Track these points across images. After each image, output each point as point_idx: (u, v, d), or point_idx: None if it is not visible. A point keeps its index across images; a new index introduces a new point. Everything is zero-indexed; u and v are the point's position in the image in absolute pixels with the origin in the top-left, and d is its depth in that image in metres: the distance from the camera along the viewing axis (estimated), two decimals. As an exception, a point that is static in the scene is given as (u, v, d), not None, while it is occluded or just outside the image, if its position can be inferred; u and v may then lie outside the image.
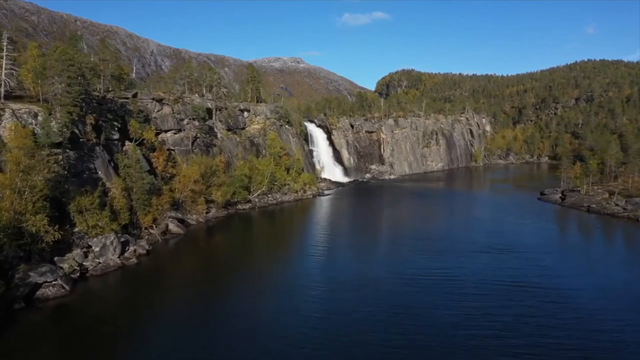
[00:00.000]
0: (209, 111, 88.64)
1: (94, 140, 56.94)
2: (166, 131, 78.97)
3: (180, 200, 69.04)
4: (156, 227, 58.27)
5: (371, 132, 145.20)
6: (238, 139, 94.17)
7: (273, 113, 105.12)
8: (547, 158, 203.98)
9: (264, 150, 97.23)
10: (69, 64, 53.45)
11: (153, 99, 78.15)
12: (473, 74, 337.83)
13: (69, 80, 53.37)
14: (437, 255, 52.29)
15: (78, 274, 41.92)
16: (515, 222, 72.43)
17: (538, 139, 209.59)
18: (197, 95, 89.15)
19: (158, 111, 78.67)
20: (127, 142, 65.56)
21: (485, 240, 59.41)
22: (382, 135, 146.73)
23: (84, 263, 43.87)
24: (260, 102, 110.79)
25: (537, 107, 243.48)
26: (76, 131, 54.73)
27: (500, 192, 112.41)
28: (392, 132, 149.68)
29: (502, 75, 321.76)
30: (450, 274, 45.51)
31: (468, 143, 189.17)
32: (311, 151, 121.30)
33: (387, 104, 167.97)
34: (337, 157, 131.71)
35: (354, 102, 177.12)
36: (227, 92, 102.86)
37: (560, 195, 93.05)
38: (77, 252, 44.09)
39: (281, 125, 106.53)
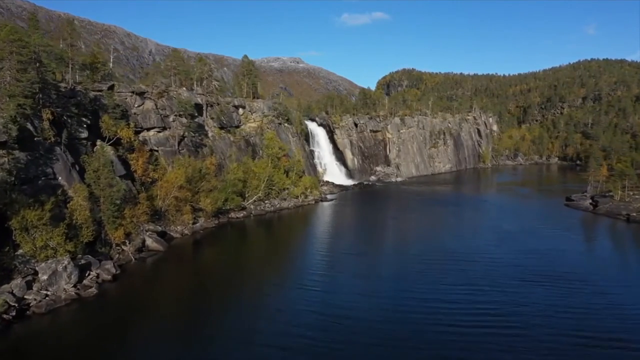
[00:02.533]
0: (198, 107, 78.73)
1: (53, 140, 47.02)
2: (148, 129, 69.11)
3: (162, 210, 59.16)
4: (130, 244, 48.35)
5: (376, 131, 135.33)
6: (232, 139, 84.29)
7: (271, 110, 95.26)
8: (556, 159, 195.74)
9: (260, 151, 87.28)
10: (20, 45, 43.62)
11: (133, 92, 68.25)
12: (474, 74, 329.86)
13: (20, 65, 43.60)
14: (476, 287, 40.30)
15: (14, 313, 31.93)
16: (552, 235, 62.15)
17: (547, 139, 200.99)
18: (184, 89, 79.12)
19: (139, 106, 68.81)
20: (98, 142, 55.64)
21: (529, 263, 47.98)
22: (388, 135, 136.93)
23: (25, 296, 33.89)
24: (257, 98, 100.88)
25: (543, 106, 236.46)
26: (30, 128, 44.90)
27: (520, 197, 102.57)
28: (399, 131, 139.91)
29: (504, 75, 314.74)
30: (505, 320, 33.19)
31: (476, 143, 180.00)
32: (312, 152, 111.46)
33: (393, 102, 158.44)
34: (340, 158, 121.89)
35: (357, 99, 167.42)
36: (219, 85, 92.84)
37: (590, 201, 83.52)
38: (17, 283, 34.13)
39: (280, 124, 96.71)
